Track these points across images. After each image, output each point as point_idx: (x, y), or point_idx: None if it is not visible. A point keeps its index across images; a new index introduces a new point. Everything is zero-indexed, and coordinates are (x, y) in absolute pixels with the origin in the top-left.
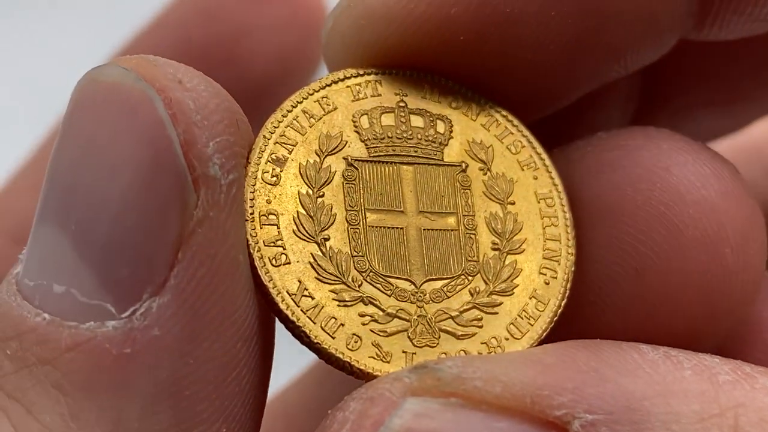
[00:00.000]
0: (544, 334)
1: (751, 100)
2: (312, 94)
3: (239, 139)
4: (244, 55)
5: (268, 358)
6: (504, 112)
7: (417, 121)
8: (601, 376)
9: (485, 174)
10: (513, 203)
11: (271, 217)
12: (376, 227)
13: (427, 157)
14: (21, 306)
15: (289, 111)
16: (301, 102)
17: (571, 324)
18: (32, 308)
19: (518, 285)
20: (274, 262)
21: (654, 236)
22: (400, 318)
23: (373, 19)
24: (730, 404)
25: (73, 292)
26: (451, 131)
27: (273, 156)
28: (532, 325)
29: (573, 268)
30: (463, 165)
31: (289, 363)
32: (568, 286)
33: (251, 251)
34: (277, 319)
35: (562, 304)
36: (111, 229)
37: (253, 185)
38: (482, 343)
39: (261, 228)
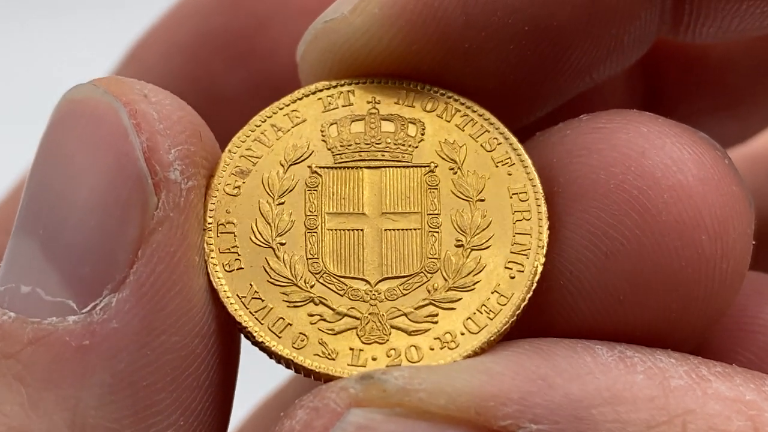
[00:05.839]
0: (505, 328)
1: (754, 103)
2: (282, 108)
3: (200, 150)
4: (266, 45)
5: (231, 361)
6: (481, 111)
7: (388, 126)
8: (549, 384)
9: (455, 173)
10: (483, 200)
11: (229, 225)
12: (335, 230)
13: (395, 160)
14: None
15: (257, 126)
16: (270, 117)
17: (543, 309)
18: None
19: (480, 280)
20: (227, 267)
21: (625, 220)
22: (350, 316)
23: (339, 53)
24: (678, 411)
25: (38, 291)
26: (423, 133)
27: (237, 169)
28: (491, 319)
29: (542, 260)
30: (432, 165)
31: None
32: (536, 279)
33: (206, 258)
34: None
35: (527, 298)
36: (75, 231)
37: (215, 196)
38: (435, 339)
39: (218, 236)
